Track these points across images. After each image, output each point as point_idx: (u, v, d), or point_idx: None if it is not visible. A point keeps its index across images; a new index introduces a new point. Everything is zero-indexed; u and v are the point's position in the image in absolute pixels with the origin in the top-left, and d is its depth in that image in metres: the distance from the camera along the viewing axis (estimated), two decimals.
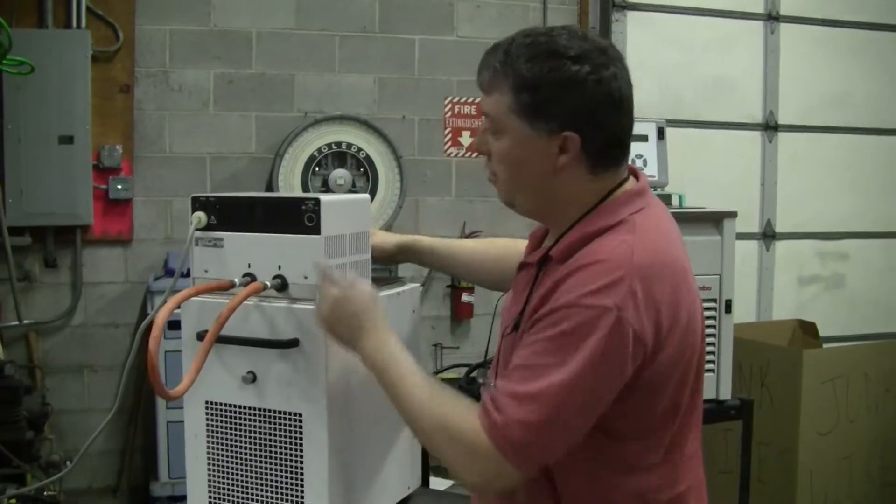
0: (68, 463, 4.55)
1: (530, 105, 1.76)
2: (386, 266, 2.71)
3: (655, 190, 3.63)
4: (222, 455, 2.18)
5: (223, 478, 2.19)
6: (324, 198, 2.06)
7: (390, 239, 2.40)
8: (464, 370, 3.58)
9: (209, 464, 2.20)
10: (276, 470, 2.12)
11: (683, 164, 5.13)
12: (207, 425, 2.19)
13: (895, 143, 6.90)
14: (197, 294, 2.06)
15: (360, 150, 5.61)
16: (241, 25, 5.58)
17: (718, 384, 3.37)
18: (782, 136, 6.65)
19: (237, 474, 2.17)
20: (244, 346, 2.10)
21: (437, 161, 5.95)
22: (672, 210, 3.52)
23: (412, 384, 1.87)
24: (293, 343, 2.06)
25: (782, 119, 6.63)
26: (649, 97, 6.08)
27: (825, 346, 4.86)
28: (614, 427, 1.76)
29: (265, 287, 2.08)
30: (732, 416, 3.43)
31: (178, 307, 2.03)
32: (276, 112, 5.65)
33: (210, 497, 2.21)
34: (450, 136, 5.95)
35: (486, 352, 3.86)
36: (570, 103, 1.74)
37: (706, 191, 4.91)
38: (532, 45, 1.77)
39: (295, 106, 5.68)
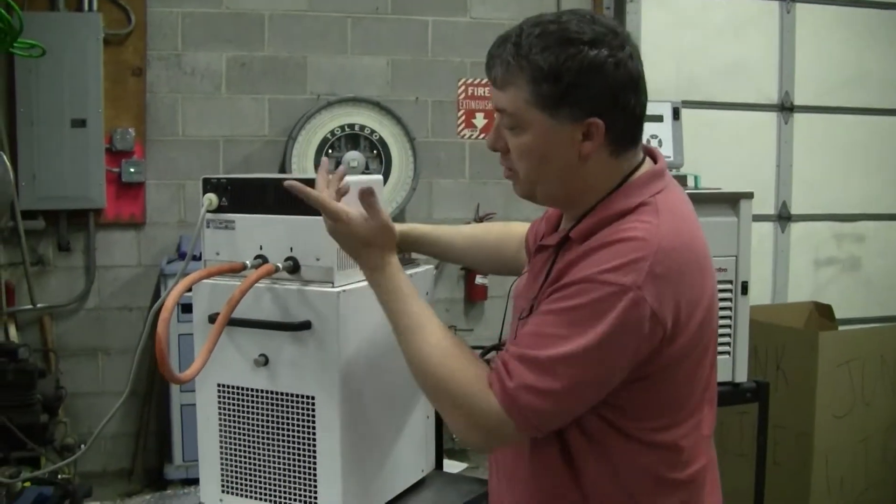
0: (82, 446, 4.55)
1: (552, 95, 1.71)
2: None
3: (671, 171, 3.60)
4: (235, 438, 2.18)
5: (236, 460, 2.19)
6: None
7: None
8: (477, 352, 3.56)
9: (221, 446, 2.20)
10: (288, 453, 2.11)
11: (698, 145, 5.11)
12: (220, 408, 2.19)
13: None
14: (208, 276, 2.05)
15: (373, 132, 5.60)
16: (253, 7, 5.57)
17: (734, 367, 3.35)
18: (798, 118, 6.61)
19: (250, 457, 2.17)
20: (256, 328, 2.09)
21: (450, 143, 5.93)
22: (688, 191, 3.49)
23: (429, 331, 1.85)
24: (305, 325, 2.04)
25: (798, 100, 6.58)
26: (665, 79, 6.04)
27: (841, 328, 4.84)
28: (633, 405, 1.76)
29: (277, 269, 2.06)
30: (748, 398, 3.41)
31: (190, 290, 2.03)
32: (289, 94, 5.63)
33: (223, 479, 2.21)
34: (463, 117, 5.93)
35: (501, 334, 3.85)
36: (593, 89, 1.70)
37: (721, 172, 4.88)
38: (544, 35, 1.71)
39: (308, 88, 5.67)
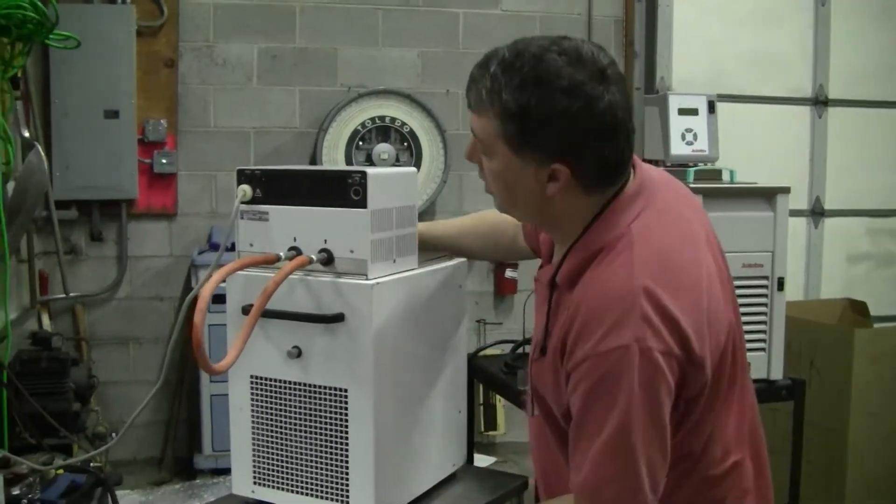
0: (114, 434, 4.59)
1: (517, 135, 1.68)
2: None
3: (706, 165, 3.57)
4: (267, 429, 2.18)
5: (268, 452, 2.19)
6: (370, 171, 2.04)
7: None
8: (506, 346, 3.56)
9: (254, 438, 2.20)
10: (320, 445, 2.11)
11: (729, 138, 5.06)
12: (252, 399, 2.19)
13: None
14: (242, 268, 2.04)
15: (403, 124, 5.59)
16: None
17: (770, 363, 3.32)
18: (832, 111, 6.53)
19: (282, 448, 2.17)
20: (289, 320, 2.09)
21: None
22: (723, 185, 3.48)
23: None
24: (339, 318, 2.04)
25: (833, 93, 6.51)
26: (695, 71, 6.00)
27: (876, 325, 4.79)
28: None
29: (311, 261, 2.06)
30: (784, 396, 3.37)
31: (224, 281, 2.02)
32: (320, 86, 5.63)
33: (255, 471, 2.21)
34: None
35: (523, 330, 3.83)
36: (557, 136, 1.66)
37: (752, 167, 4.84)
38: (521, 70, 1.66)
39: (338, 80, 5.66)
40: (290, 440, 2.15)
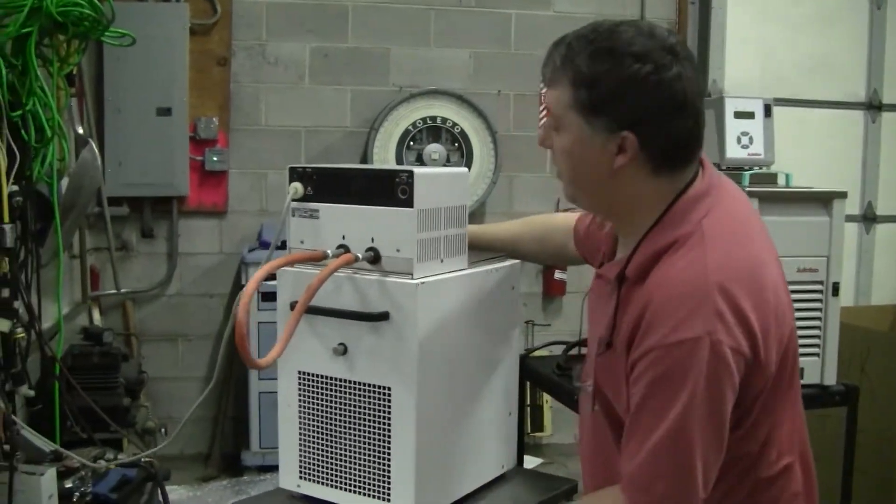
0: (163, 430, 4.62)
1: (588, 102, 1.72)
2: None
3: (761, 168, 3.54)
4: (313, 425, 2.20)
5: (313, 447, 2.20)
6: (417, 170, 2.04)
7: None
8: (555, 348, 3.54)
9: (300, 433, 2.22)
10: (364, 442, 2.11)
11: (780, 142, 5.00)
12: (300, 395, 2.21)
13: None
14: (289, 263, 2.07)
15: (454, 124, 5.59)
16: None
17: (823, 369, 3.27)
18: (886, 116, 6.44)
19: (327, 445, 2.18)
20: (336, 317, 2.10)
21: (532, 137, 5.86)
22: (779, 190, 3.45)
23: None
24: (384, 316, 2.04)
25: (887, 98, 6.43)
26: (749, 74, 5.95)
27: None
28: None
29: (357, 259, 2.07)
30: (837, 402, 3.32)
31: (274, 278, 2.05)
32: (371, 86, 5.64)
33: (301, 466, 2.23)
34: (545, 112, 5.87)
35: (580, 331, 3.82)
36: (627, 103, 1.70)
37: (805, 171, 4.78)
38: (594, 41, 1.72)
39: (390, 80, 5.67)
40: (335, 436, 2.16)
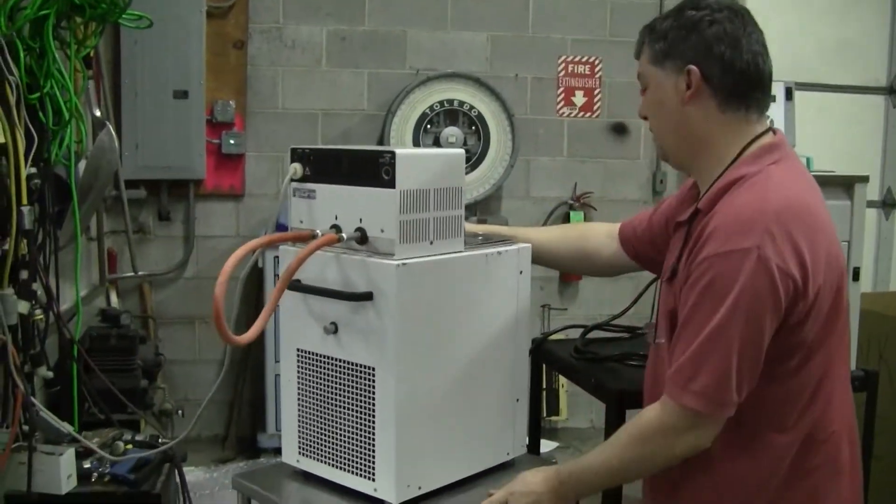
0: (180, 412, 4.64)
1: (660, 52, 2.05)
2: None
3: None
4: (309, 402, 2.25)
5: (309, 424, 2.26)
6: (400, 151, 2.07)
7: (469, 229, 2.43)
8: (572, 332, 3.52)
9: (299, 410, 2.28)
10: (352, 421, 2.16)
11: (802, 127, 4.97)
12: (298, 373, 2.27)
13: None
14: (271, 244, 2.14)
15: (472, 108, 5.58)
16: None
17: None
18: None
19: (320, 422, 2.23)
20: (325, 297, 2.15)
21: (549, 120, 5.88)
22: None
23: (606, 467, 2.05)
24: (367, 296, 2.07)
25: None
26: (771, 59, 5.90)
27: None
28: (773, 372, 1.92)
29: (340, 239, 2.11)
30: (856, 387, 3.30)
31: (254, 255, 2.10)
32: (388, 69, 5.63)
33: (300, 442, 2.29)
34: (562, 95, 5.87)
35: (596, 316, 3.80)
36: (688, 42, 2.00)
37: (824, 155, 4.75)
38: (669, 10, 2.07)
39: (407, 63, 5.66)
40: (328, 414, 2.21)
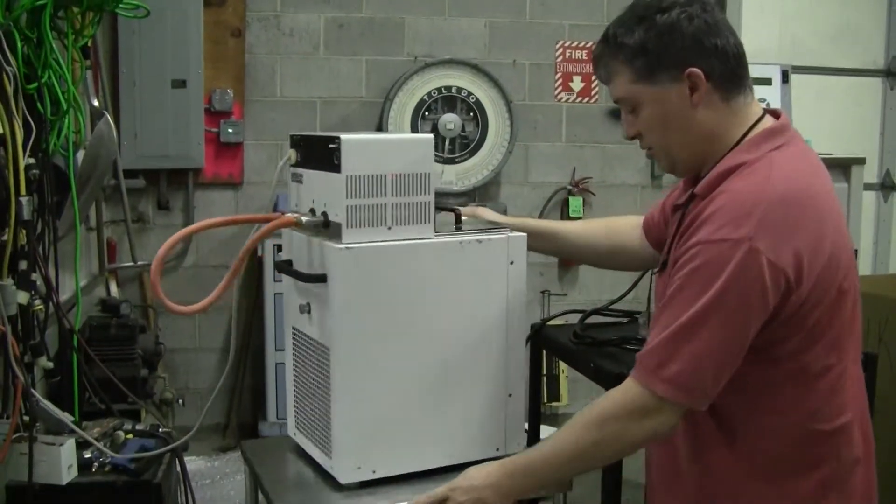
0: (181, 401, 4.64)
1: (646, 67, 1.92)
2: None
3: None
4: (297, 378, 2.37)
5: (299, 400, 2.37)
6: (346, 137, 2.08)
7: (497, 220, 2.43)
8: (571, 317, 3.51)
9: (294, 385, 2.39)
10: (319, 398, 2.23)
11: (800, 110, 4.97)
12: (293, 350, 2.37)
13: None
14: (205, 228, 2.26)
15: (469, 94, 5.58)
16: None
17: None
18: None
19: (303, 397, 2.34)
20: (294, 278, 2.25)
21: (547, 106, 5.87)
22: None
23: (558, 456, 2.00)
24: (321, 278, 2.12)
25: None
26: (768, 42, 5.90)
27: None
28: (769, 354, 1.87)
29: (299, 222, 2.16)
30: None
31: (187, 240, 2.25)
32: (386, 56, 5.63)
33: (295, 416, 2.40)
34: (561, 80, 5.86)
35: (596, 301, 3.81)
36: (675, 46, 1.90)
37: (822, 138, 4.76)
38: (625, 21, 1.95)
39: (405, 50, 5.65)
40: (306, 390, 2.31)
